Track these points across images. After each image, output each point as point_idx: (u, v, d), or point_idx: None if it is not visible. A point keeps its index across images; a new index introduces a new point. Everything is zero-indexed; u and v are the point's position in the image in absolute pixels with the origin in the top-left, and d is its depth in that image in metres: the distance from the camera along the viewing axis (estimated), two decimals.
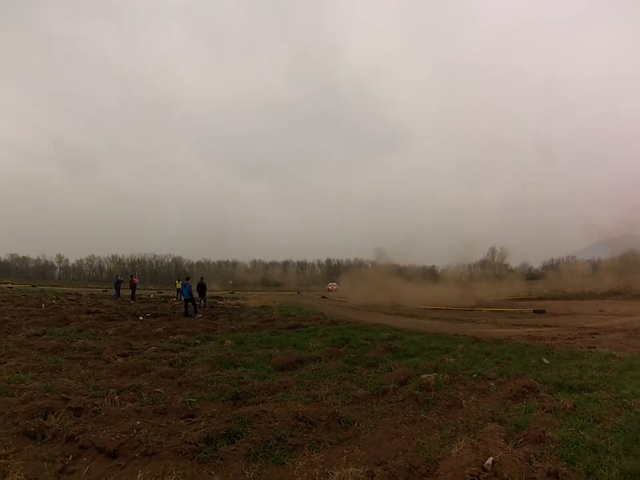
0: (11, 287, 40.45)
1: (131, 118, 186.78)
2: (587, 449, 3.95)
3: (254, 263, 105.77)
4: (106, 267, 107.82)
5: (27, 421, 4.65)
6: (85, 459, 4.03)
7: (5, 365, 7.55)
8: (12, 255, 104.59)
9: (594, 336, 11.40)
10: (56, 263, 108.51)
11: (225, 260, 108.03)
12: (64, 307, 20.32)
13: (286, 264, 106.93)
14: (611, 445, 4.01)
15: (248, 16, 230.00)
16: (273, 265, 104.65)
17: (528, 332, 12.72)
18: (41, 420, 4.74)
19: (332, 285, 64.29)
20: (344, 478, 3.37)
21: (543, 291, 40.44)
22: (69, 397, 5.57)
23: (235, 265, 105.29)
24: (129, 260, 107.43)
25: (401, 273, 42.96)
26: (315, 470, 3.80)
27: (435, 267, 63.24)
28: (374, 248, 48.61)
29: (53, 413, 4.98)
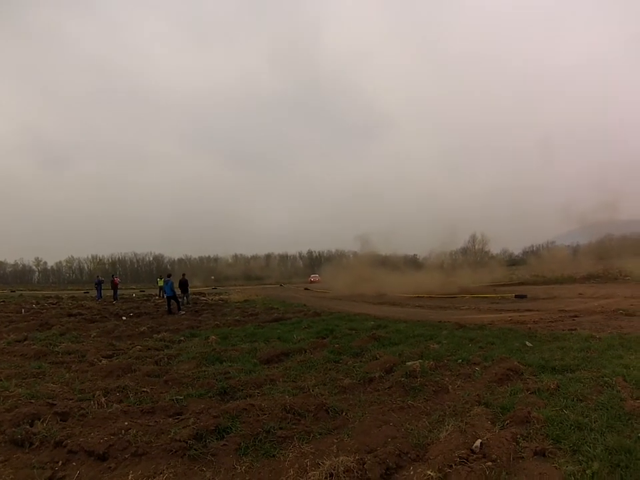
0: None
1: (108, 108, 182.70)
2: (572, 428, 4.05)
3: (235, 257, 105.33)
4: (86, 267, 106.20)
5: (13, 429, 4.57)
6: (74, 463, 3.98)
7: None
8: None
9: (574, 318, 11.63)
10: (34, 267, 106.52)
11: (207, 255, 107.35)
12: (45, 311, 20.00)
13: (268, 257, 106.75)
14: (594, 423, 4.11)
15: (228, 3, 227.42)
16: (255, 258, 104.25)
17: (510, 317, 12.91)
18: (28, 427, 4.65)
19: (314, 277, 64.00)
20: (335, 467, 3.39)
21: (523, 276, 41.04)
22: (54, 402, 5.49)
23: (216, 260, 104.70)
24: (109, 260, 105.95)
25: (382, 262, 43.12)
26: (305, 461, 3.82)
27: (416, 255, 63.57)
28: (358, 236, 48.28)
29: (40, 419, 4.90)
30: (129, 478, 3.60)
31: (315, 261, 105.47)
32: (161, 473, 3.69)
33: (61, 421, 4.97)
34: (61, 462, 4.00)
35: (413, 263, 52.09)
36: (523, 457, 3.58)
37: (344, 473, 3.35)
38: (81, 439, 4.25)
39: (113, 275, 33.09)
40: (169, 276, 20.19)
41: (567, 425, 4.09)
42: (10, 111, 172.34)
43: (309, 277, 67.29)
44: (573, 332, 9.12)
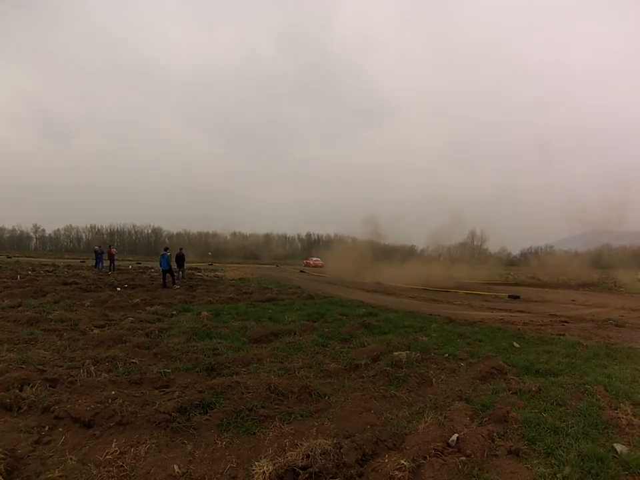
0: None
1: (113, 83, 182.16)
2: (548, 431, 4.11)
3: (234, 234, 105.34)
4: (84, 237, 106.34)
5: (2, 393, 4.67)
6: (60, 429, 4.08)
7: None
8: None
9: (564, 324, 11.70)
10: (32, 234, 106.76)
11: (205, 231, 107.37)
12: (40, 278, 20.00)
13: (266, 237, 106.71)
14: (571, 428, 4.17)
15: None
16: (253, 237, 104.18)
17: (501, 316, 12.98)
18: (17, 391, 4.75)
19: (315, 260, 59.81)
20: (312, 449, 3.47)
21: (519, 277, 41.18)
22: (44, 369, 5.58)
23: (215, 236, 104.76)
24: (108, 230, 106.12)
25: (380, 250, 43.14)
26: (285, 441, 3.90)
27: (414, 246, 63.43)
28: (366, 217, 47.18)
29: (29, 384, 5.00)
30: (113, 446, 3.68)
31: (313, 244, 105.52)
32: (143, 443, 3.78)
33: (50, 387, 5.05)
34: (47, 427, 4.10)
35: (410, 254, 52.13)
36: (497, 455, 3.65)
37: (321, 455, 3.42)
38: (68, 406, 4.35)
39: (110, 246, 33.10)
40: (166, 249, 20.18)
41: (544, 428, 4.15)
42: (14, 80, 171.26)
43: (309, 259, 62.83)
44: (561, 337, 9.18)
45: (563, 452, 3.69)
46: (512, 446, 3.76)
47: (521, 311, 14.67)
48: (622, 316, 13.66)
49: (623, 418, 4.41)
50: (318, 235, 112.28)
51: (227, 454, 3.71)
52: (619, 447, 3.77)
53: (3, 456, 3.36)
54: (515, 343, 8.18)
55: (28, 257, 53.53)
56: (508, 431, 4.10)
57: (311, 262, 58.89)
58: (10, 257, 46.27)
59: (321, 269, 47.17)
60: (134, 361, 6.37)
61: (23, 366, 5.67)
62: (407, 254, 48.25)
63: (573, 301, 19.18)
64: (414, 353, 6.97)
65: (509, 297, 20.08)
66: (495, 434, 3.97)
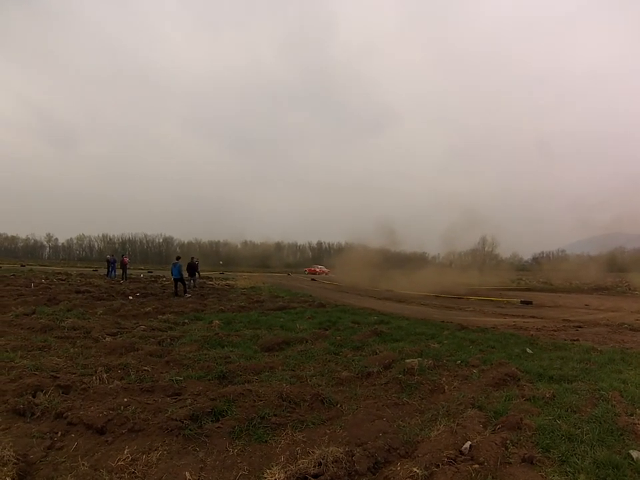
0: (0, 267, 40.20)
1: (118, 90, 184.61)
2: (563, 438, 4.04)
3: (245, 243, 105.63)
4: (96, 246, 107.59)
5: (16, 399, 4.72)
6: (73, 435, 4.10)
7: None
8: (0, 235, 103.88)
9: (578, 329, 11.57)
10: (45, 243, 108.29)
11: (216, 240, 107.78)
12: (53, 286, 20.19)
13: (277, 245, 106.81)
14: (586, 435, 4.09)
15: None
16: (264, 245, 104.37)
17: (514, 322, 12.88)
18: (30, 397, 4.79)
19: (319, 268, 62.09)
20: (324, 457, 3.46)
21: (531, 282, 40.82)
22: (57, 375, 5.63)
23: (225, 245, 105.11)
24: (120, 239, 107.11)
25: (392, 258, 43.03)
26: (297, 448, 3.90)
27: (425, 253, 63.17)
28: (379, 224, 47.12)
29: (42, 391, 5.05)
30: (125, 452, 3.70)
31: (324, 252, 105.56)
32: (155, 450, 3.79)
33: (62, 393, 5.11)
34: (60, 433, 4.12)
35: (421, 261, 51.90)
36: (511, 463, 3.59)
37: (332, 462, 3.41)
38: (81, 412, 4.37)
39: (122, 255, 33.35)
40: (178, 258, 20.26)
41: (558, 435, 4.09)
42: (22, 91, 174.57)
43: (315, 266, 64.62)
44: (575, 342, 9.07)
45: (578, 459, 3.63)
46: (526, 453, 3.70)
47: (533, 317, 14.55)
48: (637, 320, 13.50)
49: (639, 424, 4.34)
50: (329, 243, 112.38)
51: (238, 461, 3.71)
52: (635, 454, 3.70)
53: (15, 461, 3.39)
54: (527, 349, 8.10)
55: (41, 265, 54.13)
56: (521, 438, 4.03)
57: (318, 269, 59.32)
58: (24, 265, 46.77)
59: (331, 277, 47.09)
60: (146, 368, 6.41)
61: (37, 372, 5.73)
62: (418, 261, 48.02)
63: (586, 305, 19.00)
64: (426, 360, 6.93)
65: (521, 302, 19.92)
66: (508, 441, 3.91)
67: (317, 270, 60.69)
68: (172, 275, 19.69)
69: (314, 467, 3.40)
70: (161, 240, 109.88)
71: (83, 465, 3.53)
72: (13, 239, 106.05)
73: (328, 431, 4.36)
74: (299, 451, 3.83)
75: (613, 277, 36.35)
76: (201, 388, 5.50)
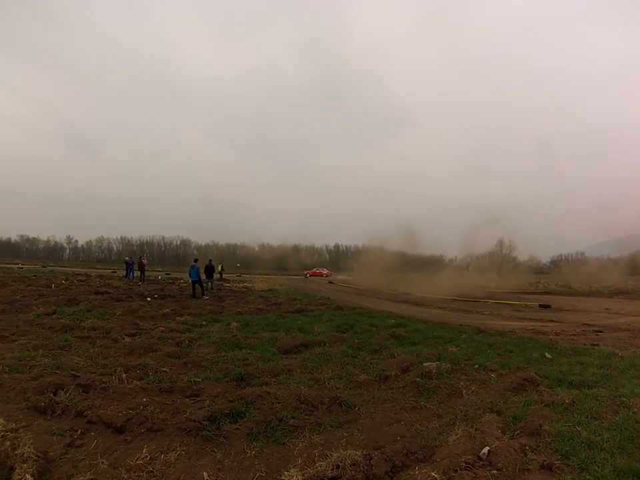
0: (22, 268, 41.14)
1: (139, 96, 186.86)
2: (582, 445, 3.98)
3: (262, 246, 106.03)
4: (115, 248, 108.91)
5: (37, 397, 4.81)
6: (92, 433, 4.17)
7: (16, 342, 7.76)
8: (22, 236, 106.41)
9: (598, 334, 11.37)
10: (65, 244, 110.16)
11: (234, 243, 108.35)
12: (73, 287, 20.54)
13: (294, 248, 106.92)
14: (606, 443, 4.02)
15: None
16: (281, 248, 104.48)
17: (532, 326, 12.70)
18: (51, 396, 4.89)
19: (322, 270, 62.75)
20: (342, 460, 3.46)
21: (549, 285, 40.23)
22: (78, 374, 5.74)
23: (243, 247, 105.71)
24: (138, 241, 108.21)
25: (409, 260, 42.82)
26: (314, 451, 3.91)
27: (442, 256, 62.70)
28: (402, 226, 46.85)
29: (63, 389, 5.14)
30: (143, 451, 3.75)
31: (342, 255, 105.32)
32: (174, 450, 3.84)
33: (82, 392, 5.19)
34: (80, 431, 4.19)
35: (439, 263, 51.55)
36: (529, 469, 3.55)
37: (350, 466, 3.42)
38: (101, 411, 4.45)
39: (140, 257, 33.69)
40: (196, 261, 20.38)
41: (578, 442, 4.02)
42: (49, 100, 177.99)
43: (320, 269, 65.04)
44: (595, 347, 8.92)
45: (598, 467, 3.56)
46: (545, 460, 3.65)
47: (552, 321, 14.33)
48: None
49: None
50: (346, 246, 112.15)
51: (256, 463, 3.73)
52: None
53: (35, 457, 3.44)
54: (546, 354, 7.99)
55: (61, 266, 55.03)
56: (540, 444, 3.98)
57: (323, 272, 59.59)
58: (45, 267, 47.73)
59: (348, 280, 47.00)
60: (164, 369, 6.48)
61: (57, 371, 5.85)
62: (436, 264, 47.74)
63: (606, 309, 18.62)
64: (444, 363, 6.89)
65: (540, 306, 19.62)
66: (527, 447, 3.87)
67: (323, 272, 61.06)
68: (190, 277, 19.83)
69: (331, 469, 3.40)
70: (178, 242, 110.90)
71: (102, 463, 3.59)
72: (35, 240, 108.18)
73: (346, 434, 4.36)
74: (316, 454, 3.84)
75: (634, 280, 35.67)
76: (219, 389, 5.55)
